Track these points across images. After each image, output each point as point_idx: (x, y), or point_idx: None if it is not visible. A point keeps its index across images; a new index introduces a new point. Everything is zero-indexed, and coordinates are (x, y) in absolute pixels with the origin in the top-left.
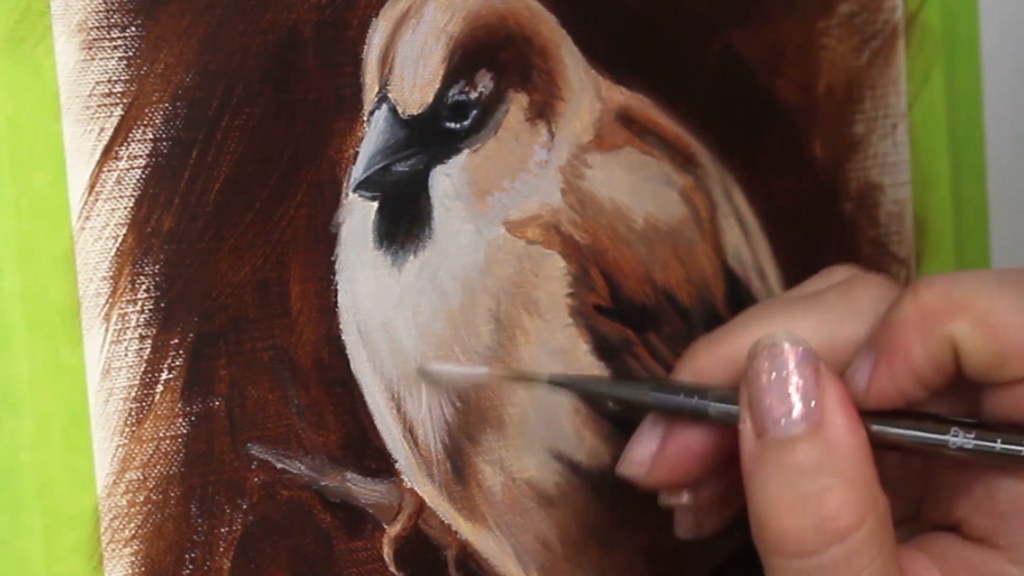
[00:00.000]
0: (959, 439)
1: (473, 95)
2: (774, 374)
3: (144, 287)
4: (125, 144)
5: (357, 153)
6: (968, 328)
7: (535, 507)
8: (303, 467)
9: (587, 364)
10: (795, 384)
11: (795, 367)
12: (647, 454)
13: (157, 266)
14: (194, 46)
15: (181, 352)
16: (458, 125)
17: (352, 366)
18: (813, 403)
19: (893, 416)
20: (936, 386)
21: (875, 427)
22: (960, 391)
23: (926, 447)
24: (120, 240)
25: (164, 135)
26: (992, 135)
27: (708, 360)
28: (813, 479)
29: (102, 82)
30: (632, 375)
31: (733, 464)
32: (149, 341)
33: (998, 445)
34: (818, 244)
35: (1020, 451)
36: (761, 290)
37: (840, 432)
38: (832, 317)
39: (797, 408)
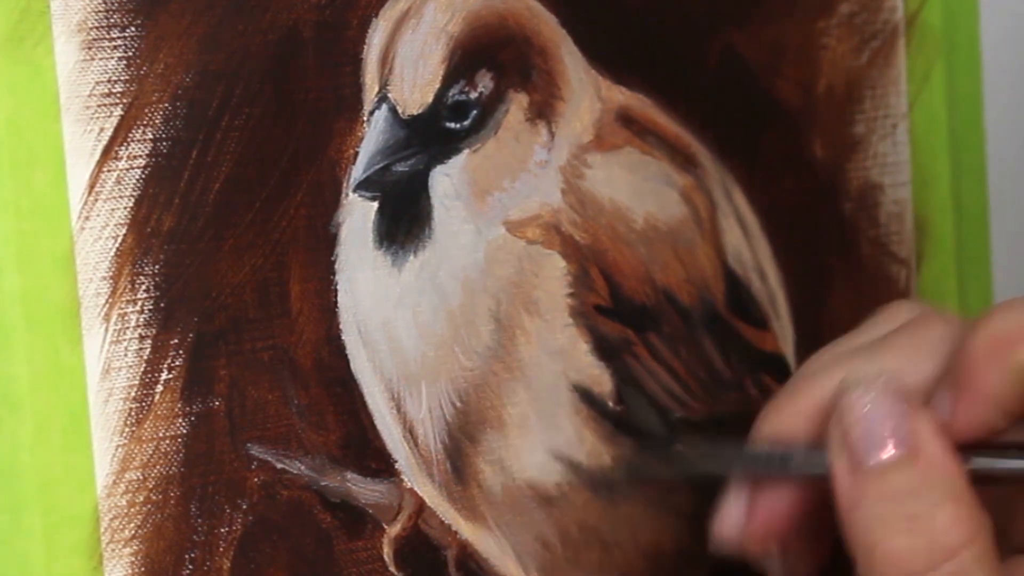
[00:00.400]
0: None
1: (473, 95)
2: (865, 409)
3: (144, 287)
4: (125, 144)
5: (357, 153)
6: None
7: (535, 507)
8: (303, 467)
9: (587, 364)
10: (887, 415)
11: (885, 400)
12: (737, 514)
13: (157, 266)
14: (194, 46)
15: (181, 352)
16: (458, 125)
17: (352, 366)
18: (907, 431)
19: (985, 448)
20: (1017, 413)
21: (969, 458)
22: None
23: (1018, 475)
24: (120, 240)
25: (164, 135)
26: (992, 135)
27: (791, 414)
28: (919, 499)
29: (102, 82)
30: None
31: (820, 516)
32: (149, 341)
33: None
34: (818, 244)
35: None
36: (761, 290)
37: (938, 455)
38: (902, 359)
39: (893, 438)
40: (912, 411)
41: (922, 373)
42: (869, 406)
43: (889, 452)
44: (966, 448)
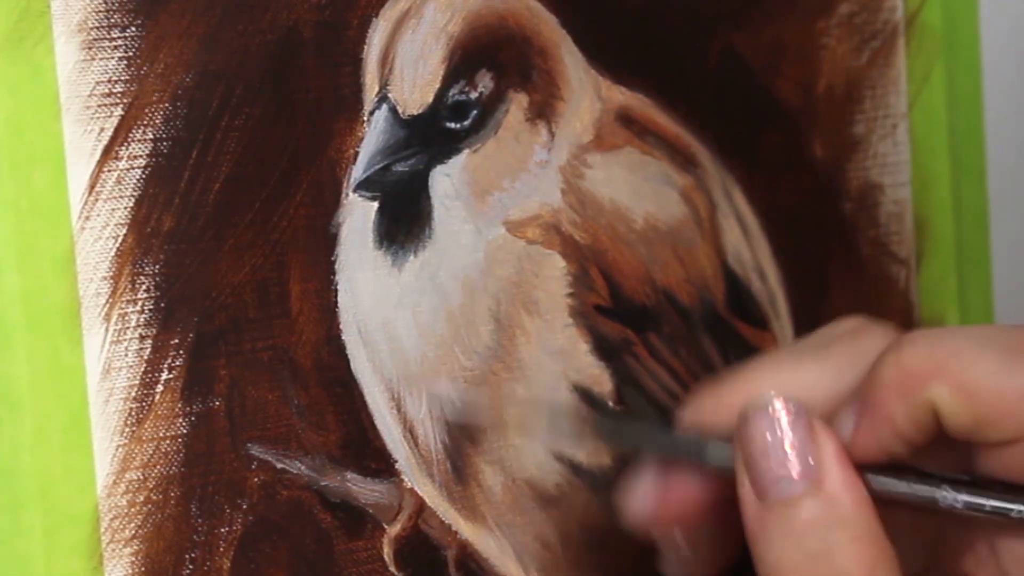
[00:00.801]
0: (949, 495)
1: (473, 95)
2: (768, 435)
3: (144, 287)
4: (125, 144)
5: (357, 153)
6: (946, 392)
7: (535, 507)
8: (303, 467)
9: (587, 364)
10: (790, 443)
11: (788, 425)
12: (648, 495)
13: (157, 266)
14: (194, 46)
15: (181, 352)
16: (458, 125)
17: (352, 366)
18: (811, 461)
19: (886, 470)
20: (918, 444)
21: (871, 478)
22: (949, 443)
23: (918, 502)
24: (120, 240)
25: (164, 135)
26: (992, 135)
27: (712, 407)
28: (820, 537)
29: (102, 82)
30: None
31: (730, 510)
32: (149, 341)
33: (988, 503)
34: (818, 244)
35: (1010, 511)
36: (761, 290)
37: (841, 487)
38: (835, 367)
39: (795, 468)
40: (816, 436)
41: (841, 385)
42: (769, 434)
43: (792, 485)
44: (870, 468)
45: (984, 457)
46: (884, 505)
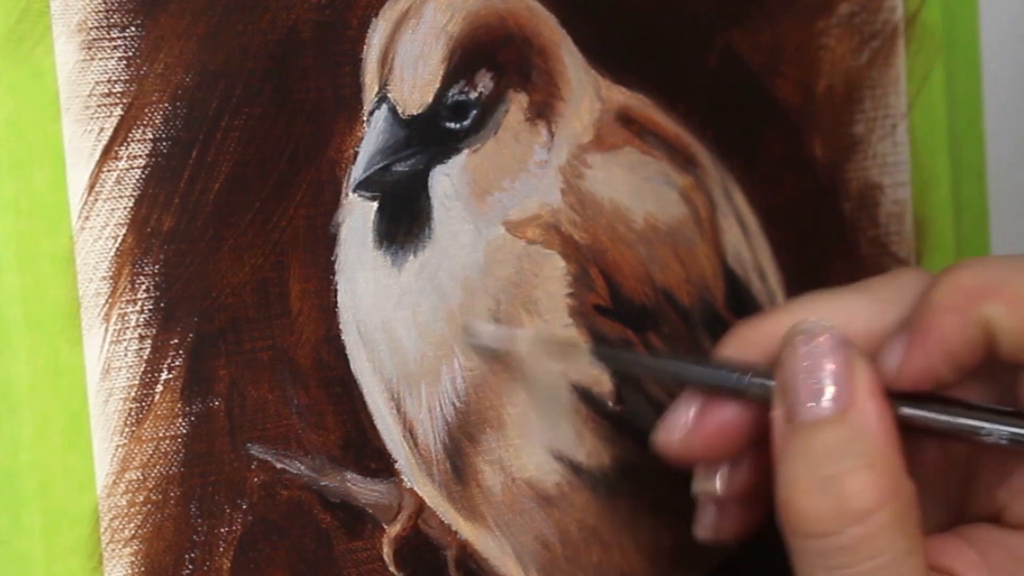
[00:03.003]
0: (992, 427)
1: (473, 95)
2: (806, 361)
3: (144, 287)
4: (125, 144)
5: (357, 153)
6: (1003, 310)
7: (535, 507)
8: (303, 467)
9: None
10: (826, 369)
11: (826, 352)
12: (683, 422)
13: (157, 266)
14: (194, 46)
15: (181, 352)
16: (458, 125)
17: (352, 366)
18: (842, 388)
19: (925, 401)
20: (969, 367)
21: (906, 410)
22: (994, 374)
23: (960, 432)
24: (120, 240)
25: (164, 135)
26: (992, 135)
27: (750, 339)
28: (835, 462)
29: (102, 82)
30: (667, 352)
31: (766, 448)
32: (149, 341)
33: None
34: (818, 244)
35: None
36: (761, 290)
37: (866, 417)
38: (874, 301)
39: (826, 393)
40: (851, 366)
41: (892, 317)
42: (807, 360)
43: (820, 407)
44: (908, 400)
45: None
46: (922, 436)
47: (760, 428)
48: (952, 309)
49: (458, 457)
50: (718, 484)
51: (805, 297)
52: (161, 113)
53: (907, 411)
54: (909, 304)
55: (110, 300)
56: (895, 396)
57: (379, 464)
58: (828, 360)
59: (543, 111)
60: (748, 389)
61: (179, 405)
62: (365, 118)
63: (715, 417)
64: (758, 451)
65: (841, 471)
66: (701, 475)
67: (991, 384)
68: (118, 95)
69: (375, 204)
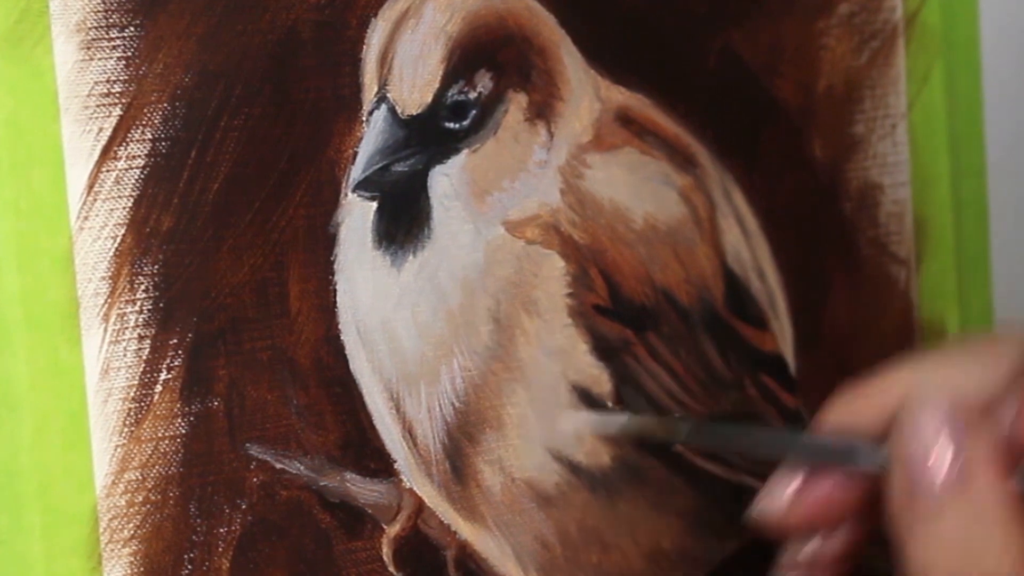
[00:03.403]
0: None
1: (472, 95)
2: (922, 434)
3: (143, 287)
4: (124, 144)
5: (356, 153)
6: None
7: (535, 507)
8: (302, 467)
9: (586, 364)
10: (942, 442)
11: (944, 423)
12: (787, 495)
13: (156, 266)
14: (193, 46)
15: (180, 352)
16: (457, 125)
17: (351, 366)
18: (963, 463)
19: None
20: None
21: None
22: None
23: None
24: (119, 240)
25: (163, 135)
26: (992, 135)
27: (858, 406)
28: (967, 534)
29: (101, 82)
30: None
31: (870, 510)
32: (148, 341)
33: None
34: (818, 244)
35: None
36: (761, 290)
37: (988, 486)
38: (986, 362)
39: (945, 464)
40: (969, 435)
41: (994, 378)
42: (928, 428)
43: (940, 482)
44: None
45: None
46: None
47: (863, 497)
48: None
49: (458, 457)
50: (815, 547)
51: (910, 361)
52: (160, 113)
53: None
54: (1017, 362)
55: (109, 300)
56: (1016, 457)
57: (378, 464)
58: (948, 434)
59: (542, 111)
60: (858, 461)
61: (178, 405)
62: (364, 118)
63: (820, 490)
64: (857, 520)
65: (974, 546)
66: (794, 546)
67: None
68: (117, 95)
69: (374, 204)
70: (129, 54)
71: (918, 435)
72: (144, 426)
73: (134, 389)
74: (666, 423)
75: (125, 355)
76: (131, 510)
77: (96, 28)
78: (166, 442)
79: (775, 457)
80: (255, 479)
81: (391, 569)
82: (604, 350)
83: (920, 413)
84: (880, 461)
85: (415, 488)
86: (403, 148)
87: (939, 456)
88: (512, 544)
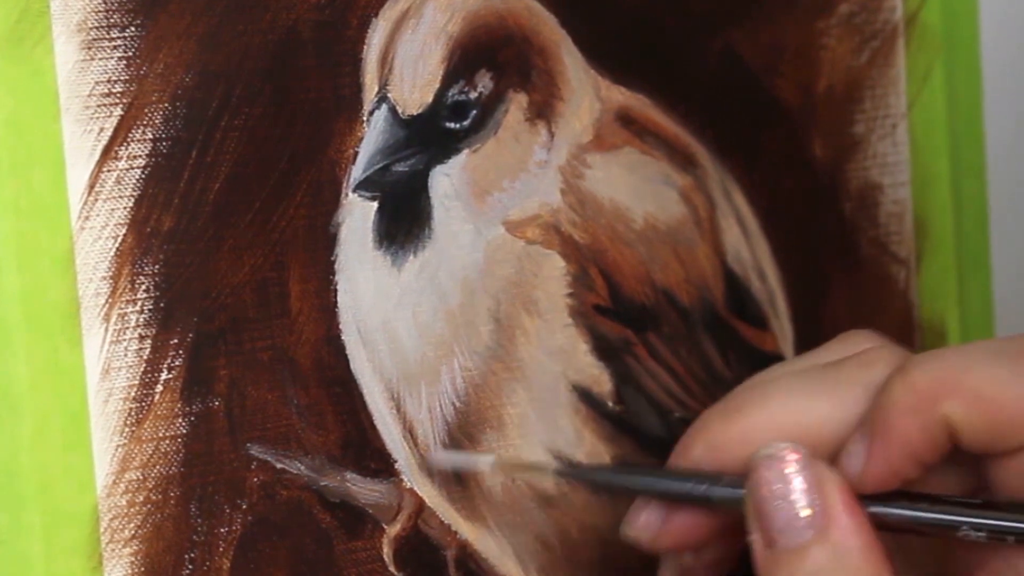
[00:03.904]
0: (968, 527)
1: (473, 95)
2: (775, 484)
3: (144, 287)
4: (124, 144)
5: (357, 153)
6: (961, 407)
7: (535, 507)
8: (303, 467)
9: (586, 364)
10: (797, 491)
11: (795, 474)
12: (651, 521)
13: (157, 266)
14: (193, 46)
15: (181, 352)
16: (458, 125)
17: (352, 366)
18: (817, 508)
19: (896, 499)
20: (933, 463)
21: (878, 509)
22: (960, 462)
23: (936, 532)
24: (120, 240)
25: (163, 135)
26: (992, 135)
27: (720, 438)
28: None
29: (101, 82)
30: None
31: (737, 533)
32: (149, 341)
33: (1013, 528)
34: (818, 244)
35: None
36: (761, 290)
37: (847, 533)
38: (845, 397)
39: (802, 515)
40: (822, 482)
41: (851, 415)
42: (777, 484)
43: (798, 533)
44: (880, 500)
45: (997, 469)
46: (900, 534)
47: (726, 523)
48: (910, 411)
49: None
50: (687, 559)
51: (773, 384)
52: (161, 113)
53: (882, 512)
54: (870, 393)
55: (110, 300)
56: (869, 499)
57: (379, 464)
58: (799, 481)
59: (543, 111)
60: (716, 500)
61: (179, 405)
62: (365, 118)
63: (683, 519)
64: (723, 540)
65: None
66: (668, 560)
67: (958, 471)
68: (118, 95)
69: (375, 204)
70: (130, 54)
71: (769, 484)
72: (145, 426)
73: (135, 389)
74: (533, 464)
75: (126, 355)
76: (132, 510)
77: (97, 28)
78: (167, 442)
79: (643, 494)
80: (256, 479)
81: (391, 569)
82: (604, 350)
83: (770, 460)
84: (737, 502)
85: (416, 488)
86: (404, 148)
87: (794, 504)
88: (512, 544)
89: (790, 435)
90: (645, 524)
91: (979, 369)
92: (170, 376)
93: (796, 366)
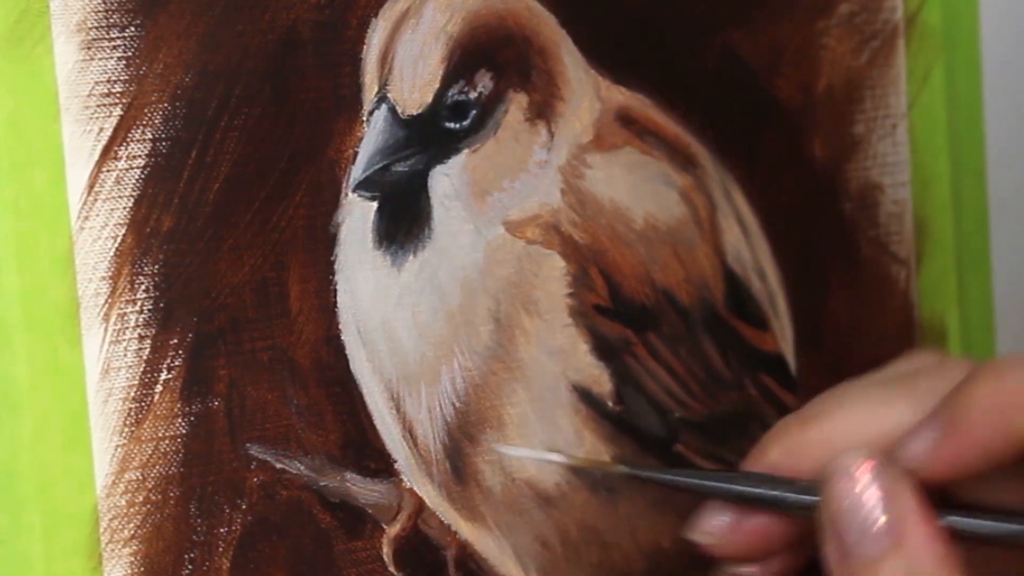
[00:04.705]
0: None
1: (472, 95)
2: (851, 495)
3: (143, 287)
4: (124, 144)
5: (356, 153)
6: None
7: (535, 507)
8: (302, 467)
9: (587, 364)
10: (873, 501)
11: (870, 484)
12: (721, 525)
13: (156, 266)
14: (193, 46)
15: (180, 352)
16: (457, 125)
17: (351, 366)
18: (893, 518)
19: (972, 510)
20: (1001, 465)
21: (953, 519)
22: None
23: (1007, 541)
24: (119, 240)
25: (163, 135)
26: (992, 135)
27: (798, 442)
28: None
29: (101, 82)
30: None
31: (807, 542)
32: (148, 341)
33: None
34: (818, 244)
35: None
36: (761, 290)
37: (921, 543)
38: (925, 400)
39: (876, 526)
40: (898, 493)
41: (922, 416)
42: (852, 495)
43: (873, 545)
44: (953, 509)
45: None
46: (972, 544)
47: (797, 532)
48: (994, 414)
49: (458, 457)
50: (753, 570)
51: (851, 392)
52: (161, 113)
53: (957, 523)
54: (943, 395)
55: (110, 300)
56: (945, 508)
57: (379, 464)
58: (874, 490)
59: (543, 111)
60: (790, 505)
61: (178, 405)
62: (365, 118)
63: (753, 524)
64: (792, 551)
65: None
66: (730, 567)
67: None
68: (118, 95)
69: (375, 204)
70: (129, 54)
71: (845, 493)
72: (144, 426)
73: (134, 389)
74: (603, 463)
75: (125, 355)
76: (131, 510)
77: (96, 28)
78: (166, 442)
79: (713, 496)
80: (255, 479)
81: (391, 569)
82: (604, 350)
83: (847, 469)
84: (811, 508)
85: (415, 488)
86: (403, 148)
87: (869, 515)
88: (512, 544)
89: (868, 441)
90: (715, 528)
91: None
92: (170, 376)
93: (871, 379)
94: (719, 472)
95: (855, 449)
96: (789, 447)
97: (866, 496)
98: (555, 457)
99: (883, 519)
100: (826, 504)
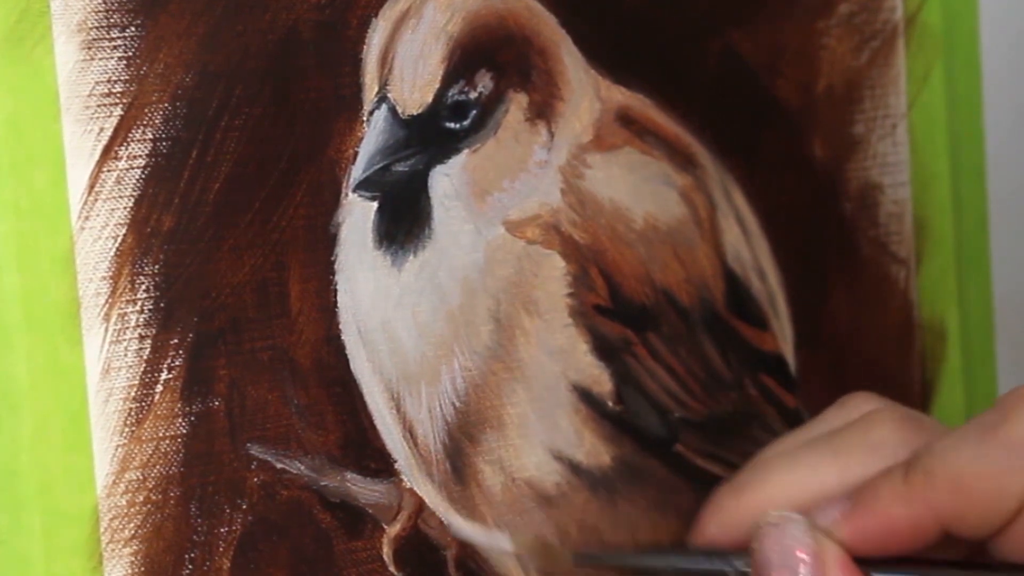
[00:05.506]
0: None
1: (473, 95)
2: (776, 553)
3: (144, 287)
4: (125, 144)
5: (356, 153)
6: (950, 506)
7: (535, 507)
8: (303, 467)
9: (587, 364)
10: (796, 559)
11: (794, 542)
12: None
13: (157, 266)
14: (193, 46)
15: (181, 352)
16: (458, 125)
17: (352, 366)
18: (815, 564)
19: (898, 564)
20: (914, 549)
21: None
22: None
23: None
24: (120, 240)
25: (164, 135)
26: (992, 135)
27: (731, 514)
28: None
29: (102, 82)
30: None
31: None
32: (149, 341)
33: None
34: (818, 244)
35: None
36: (761, 290)
37: None
38: (851, 460)
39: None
40: (821, 552)
41: (855, 476)
42: (778, 553)
43: None
44: (879, 564)
45: (992, 544)
46: None
47: None
48: (903, 507)
49: (458, 457)
50: None
51: (780, 457)
52: (161, 113)
53: None
54: (873, 454)
55: (110, 300)
56: (870, 564)
57: (379, 464)
58: (798, 550)
59: (543, 111)
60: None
61: (179, 405)
62: (365, 118)
63: None
64: None
65: None
66: None
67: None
68: (118, 95)
69: (375, 204)
70: (130, 54)
71: (768, 551)
72: (145, 426)
73: (135, 389)
74: (552, 548)
75: (126, 355)
76: (132, 510)
77: (97, 28)
78: (167, 442)
79: (658, 571)
80: (256, 479)
81: (391, 569)
82: (604, 350)
83: (767, 531)
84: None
85: (415, 488)
86: (404, 148)
87: (796, 572)
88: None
89: (797, 505)
90: None
91: (958, 462)
92: (170, 376)
93: (799, 437)
94: (662, 550)
95: (777, 511)
96: (723, 520)
97: (792, 553)
98: (504, 545)
99: (808, 571)
100: (754, 566)
